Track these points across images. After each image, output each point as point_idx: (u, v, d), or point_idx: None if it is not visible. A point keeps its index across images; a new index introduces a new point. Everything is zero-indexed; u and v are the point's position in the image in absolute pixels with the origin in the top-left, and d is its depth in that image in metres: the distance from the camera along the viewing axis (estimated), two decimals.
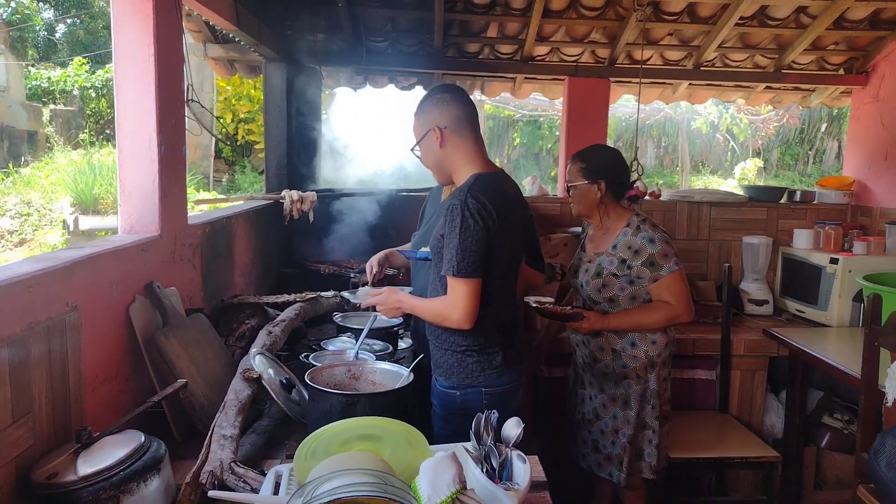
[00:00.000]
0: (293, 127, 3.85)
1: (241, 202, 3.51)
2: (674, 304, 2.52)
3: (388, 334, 2.66)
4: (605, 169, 2.58)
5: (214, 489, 1.51)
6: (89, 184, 8.00)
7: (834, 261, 3.55)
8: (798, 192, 4.24)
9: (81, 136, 12.27)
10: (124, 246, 1.88)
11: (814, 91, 4.53)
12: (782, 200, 4.21)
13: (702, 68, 4.18)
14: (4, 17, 12.96)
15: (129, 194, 2.09)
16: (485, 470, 1.54)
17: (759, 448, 2.96)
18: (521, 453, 1.59)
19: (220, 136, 8.74)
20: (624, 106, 8.75)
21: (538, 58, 4.20)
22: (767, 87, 4.48)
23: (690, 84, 4.37)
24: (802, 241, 3.89)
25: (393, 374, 2.05)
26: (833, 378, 3.42)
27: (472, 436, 1.62)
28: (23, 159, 11.07)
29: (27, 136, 11.60)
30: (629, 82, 4.28)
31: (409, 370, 2.02)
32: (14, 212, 8.94)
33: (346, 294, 2.56)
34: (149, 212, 2.09)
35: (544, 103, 10.51)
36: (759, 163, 11.25)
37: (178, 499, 1.48)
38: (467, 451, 1.55)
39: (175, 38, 2.18)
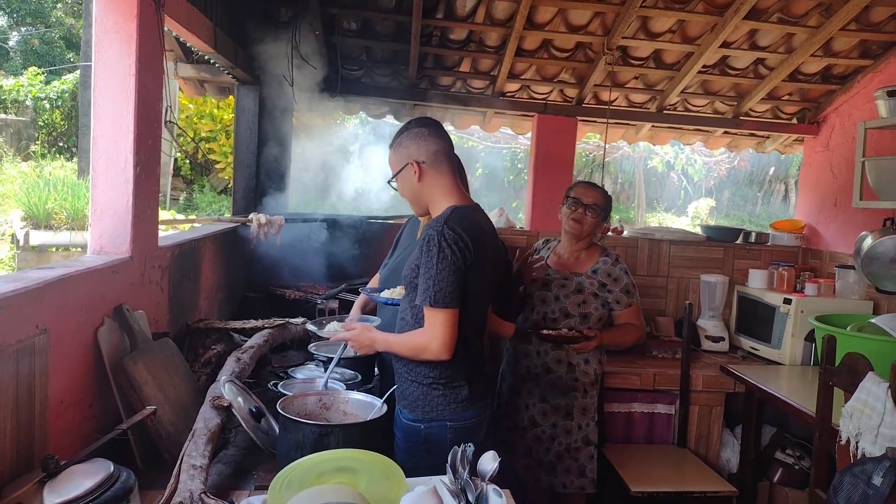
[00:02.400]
0: (263, 150, 3.83)
1: (208, 224, 3.47)
2: (639, 326, 2.92)
3: (363, 363, 2.64)
4: (609, 212, 2.99)
5: None
6: (42, 198, 7.75)
7: (787, 301, 3.68)
8: (753, 234, 4.40)
9: (33, 147, 11.91)
10: (96, 267, 1.83)
11: (768, 138, 4.73)
12: (738, 241, 4.37)
13: (664, 111, 4.33)
14: None
15: (101, 214, 2.05)
16: None
17: (717, 483, 3.03)
18: (497, 487, 1.60)
19: (183, 155, 8.60)
20: (585, 143, 8.97)
21: (509, 94, 4.29)
22: (725, 132, 4.67)
23: (653, 126, 4.52)
24: (757, 281, 4.03)
25: (365, 405, 2.03)
26: (785, 415, 3.53)
27: (448, 469, 1.62)
28: None
29: None
30: (595, 121, 4.41)
31: (382, 401, 2.01)
32: None
33: (310, 326, 2.52)
34: (120, 232, 2.06)
35: (507, 136, 10.68)
36: (712, 202, 11.65)
37: None
38: (444, 484, 1.55)
39: (156, 58, 2.16)
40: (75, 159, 11.41)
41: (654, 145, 5.21)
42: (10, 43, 17.19)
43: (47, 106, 12.73)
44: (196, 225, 3.87)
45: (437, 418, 2.10)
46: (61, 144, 12.37)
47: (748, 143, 4.90)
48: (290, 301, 3.48)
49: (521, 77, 4.15)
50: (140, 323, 2.05)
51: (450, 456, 1.63)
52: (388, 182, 2.19)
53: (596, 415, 2.90)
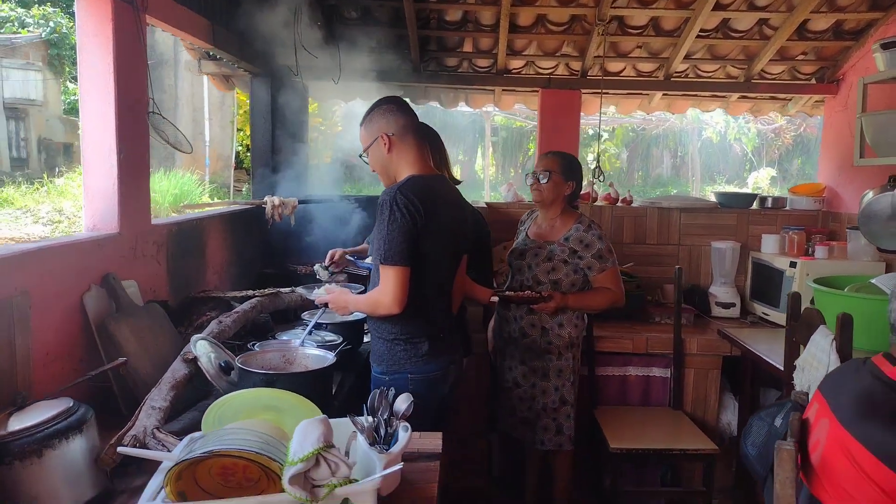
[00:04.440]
0: (277, 137, 4.10)
1: (224, 207, 3.78)
2: (615, 291, 2.96)
3: (349, 327, 2.85)
4: (576, 175, 3.03)
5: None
6: None
7: (793, 264, 3.64)
8: (769, 199, 4.33)
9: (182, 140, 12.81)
10: (78, 240, 2.12)
11: (790, 100, 4.61)
12: (754, 206, 4.31)
13: (672, 79, 4.31)
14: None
15: (91, 197, 2.34)
16: (373, 439, 1.73)
17: (699, 441, 3.07)
18: (407, 424, 1.77)
19: (244, 148, 9.09)
20: (631, 117, 8.83)
21: (514, 70, 4.39)
22: (743, 97, 4.59)
23: (665, 94, 4.50)
24: (770, 246, 3.97)
25: (322, 359, 2.25)
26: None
27: (365, 409, 1.81)
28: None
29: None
30: (607, 93, 4.44)
31: (333, 354, 2.23)
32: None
33: (300, 290, 2.77)
34: (109, 212, 2.34)
35: None
36: (773, 172, 11.20)
37: (100, 457, 1.70)
38: (353, 421, 1.74)
39: (137, 57, 2.43)
40: None
41: (673, 113, 5.15)
42: None
43: None
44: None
45: (399, 371, 2.30)
46: None
47: (771, 107, 4.78)
48: (301, 275, 3.74)
49: (524, 53, 4.24)
50: (128, 290, 2.34)
51: (369, 398, 1.82)
52: (360, 156, 2.39)
53: (572, 376, 3.00)
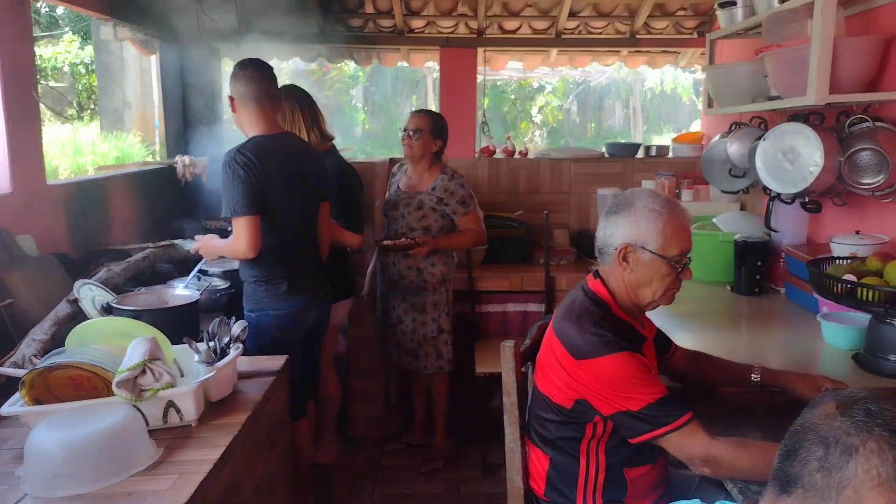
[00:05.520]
0: (189, 100, 4.35)
1: (136, 167, 4.06)
2: (477, 231, 3.39)
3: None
4: (444, 133, 3.36)
5: None
6: (49, 158, 8.51)
7: None
8: (654, 148, 4.67)
9: (70, 111, 12.87)
10: None
11: (680, 53, 4.92)
12: (639, 155, 4.65)
13: (563, 36, 4.59)
14: None
15: None
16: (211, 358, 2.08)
17: None
18: (240, 345, 2.13)
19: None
20: (573, 69, 9.10)
21: (417, 30, 4.65)
22: (636, 51, 4.88)
23: (561, 50, 4.79)
24: None
25: (188, 298, 2.59)
26: None
27: (206, 335, 2.16)
28: None
29: None
30: (503, 50, 4.72)
31: (199, 293, 2.58)
32: None
33: (178, 242, 3.10)
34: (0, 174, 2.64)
35: (514, 71, 10.89)
36: None
37: None
38: (189, 344, 2.09)
39: (22, 32, 2.68)
40: None
41: (575, 67, 5.44)
42: (59, 11, 18.18)
43: (83, 70, 13.63)
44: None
45: (262, 308, 2.66)
46: (94, 107, 13.30)
47: (666, 60, 5.09)
48: (211, 230, 4.04)
49: (423, 14, 4.49)
50: (23, 244, 2.65)
51: (210, 325, 2.17)
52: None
53: (447, 307, 3.40)
